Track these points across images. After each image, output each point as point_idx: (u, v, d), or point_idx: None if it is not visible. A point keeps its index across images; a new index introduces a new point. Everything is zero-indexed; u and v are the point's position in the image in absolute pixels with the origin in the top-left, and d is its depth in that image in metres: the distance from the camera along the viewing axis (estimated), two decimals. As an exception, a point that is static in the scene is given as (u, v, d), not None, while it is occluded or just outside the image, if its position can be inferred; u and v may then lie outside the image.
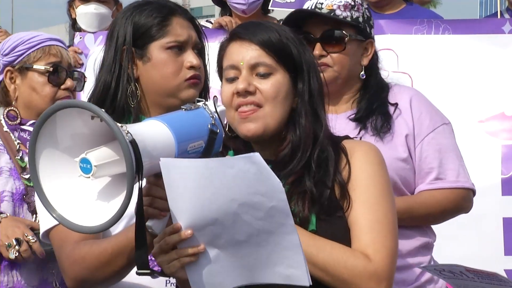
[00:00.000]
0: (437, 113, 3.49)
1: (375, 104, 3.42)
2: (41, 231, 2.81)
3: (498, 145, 4.74)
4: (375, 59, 3.53)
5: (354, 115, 3.43)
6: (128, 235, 2.41)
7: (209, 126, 2.32)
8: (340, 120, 3.40)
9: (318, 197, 2.45)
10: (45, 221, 2.78)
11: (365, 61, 3.49)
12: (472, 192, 3.47)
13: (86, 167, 2.04)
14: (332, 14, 3.40)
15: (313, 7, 3.45)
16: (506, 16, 5.43)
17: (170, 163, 2.09)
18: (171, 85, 2.88)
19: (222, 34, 3.90)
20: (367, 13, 3.51)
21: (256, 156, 2.05)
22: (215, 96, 2.47)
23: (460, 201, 3.44)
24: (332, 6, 3.41)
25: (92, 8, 5.63)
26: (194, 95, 2.86)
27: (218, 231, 2.13)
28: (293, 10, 3.56)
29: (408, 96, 3.46)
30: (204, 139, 2.30)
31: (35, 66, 3.51)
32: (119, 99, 2.87)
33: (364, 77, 3.47)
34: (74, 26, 5.75)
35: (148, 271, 2.18)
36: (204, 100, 2.39)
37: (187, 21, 2.92)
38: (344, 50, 3.40)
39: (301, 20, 3.47)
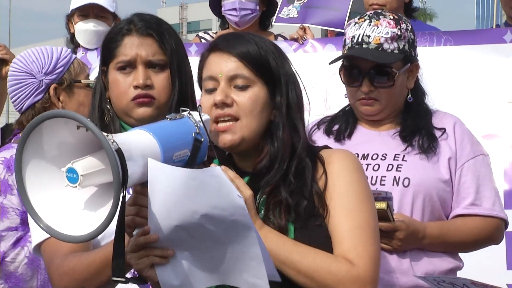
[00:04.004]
0: (477, 143, 3.50)
1: (420, 125, 3.42)
2: (33, 244, 2.82)
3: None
4: (418, 80, 3.53)
5: (399, 132, 3.43)
6: None
7: (193, 134, 2.31)
8: (383, 137, 3.44)
9: (294, 207, 2.46)
10: (36, 235, 2.79)
11: (411, 84, 3.48)
12: (505, 224, 3.46)
13: (72, 176, 2.02)
14: (380, 49, 3.37)
15: (359, 40, 3.41)
16: (504, 30, 5.44)
17: (154, 165, 2.10)
18: (122, 105, 2.90)
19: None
20: (412, 36, 3.47)
21: (217, 169, 2.08)
22: (199, 105, 2.48)
23: (493, 231, 3.43)
24: (379, 39, 3.38)
25: (91, 25, 5.64)
26: (144, 114, 2.87)
27: (185, 236, 2.15)
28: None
29: (452, 122, 3.46)
30: (189, 147, 2.30)
31: (83, 81, 3.51)
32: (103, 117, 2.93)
33: (412, 100, 3.46)
34: (73, 40, 5.76)
35: (123, 280, 2.19)
36: (188, 109, 2.38)
37: (142, 38, 2.91)
38: (393, 85, 3.39)
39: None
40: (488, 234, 3.42)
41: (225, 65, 2.52)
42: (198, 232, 2.13)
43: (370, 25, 3.42)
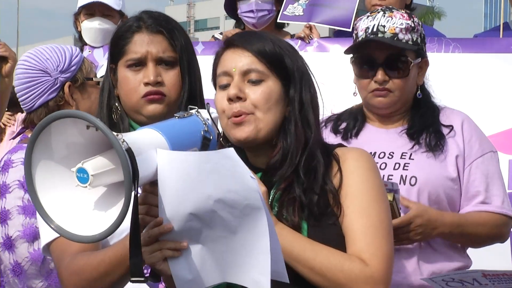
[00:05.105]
0: (486, 140, 3.51)
1: (428, 122, 3.43)
2: (42, 244, 2.82)
3: (506, 160, 4.74)
4: (426, 77, 3.54)
5: (406, 130, 3.44)
6: (126, 245, 2.38)
7: (202, 132, 2.33)
8: (391, 135, 3.45)
9: (308, 204, 2.46)
10: (46, 234, 2.78)
11: (420, 80, 3.49)
12: None
13: (83, 176, 2.02)
14: (395, 39, 3.39)
15: (375, 30, 3.42)
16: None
17: (164, 155, 2.11)
18: (132, 102, 2.90)
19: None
20: (423, 31, 3.50)
21: (230, 151, 2.07)
22: (207, 103, 2.49)
23: (502, 228, 3.44)
24: (394, 29, 3.40)
25: (96, 23, 5.66)
26: (154, 111, 2.88)
27: (198, 226, 2.14)
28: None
29: (460, 119, 3.46)
30: (198, 145, 2.30)
31: (94, 79, 3.52)
32: (112, 116, 2.93)
33: (421, 96, 3.47)
34: (81, 39, 5.78)
35: (142, 279, 2.17)
36: (196, 107, 2.39)
37: (152, 35, 2.91)
38: (407, 76, 3.40)
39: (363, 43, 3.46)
40: (498, 231, 3.43)
41: (239, 60, 2.53)
42: (211, 220, 2.12)
43: (384, 16, 3.44)
